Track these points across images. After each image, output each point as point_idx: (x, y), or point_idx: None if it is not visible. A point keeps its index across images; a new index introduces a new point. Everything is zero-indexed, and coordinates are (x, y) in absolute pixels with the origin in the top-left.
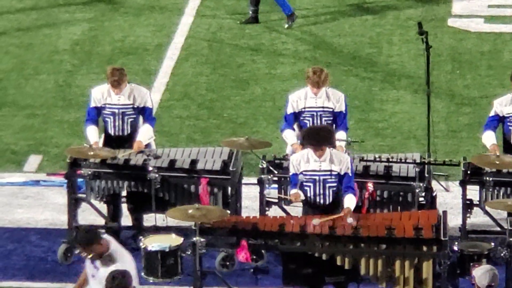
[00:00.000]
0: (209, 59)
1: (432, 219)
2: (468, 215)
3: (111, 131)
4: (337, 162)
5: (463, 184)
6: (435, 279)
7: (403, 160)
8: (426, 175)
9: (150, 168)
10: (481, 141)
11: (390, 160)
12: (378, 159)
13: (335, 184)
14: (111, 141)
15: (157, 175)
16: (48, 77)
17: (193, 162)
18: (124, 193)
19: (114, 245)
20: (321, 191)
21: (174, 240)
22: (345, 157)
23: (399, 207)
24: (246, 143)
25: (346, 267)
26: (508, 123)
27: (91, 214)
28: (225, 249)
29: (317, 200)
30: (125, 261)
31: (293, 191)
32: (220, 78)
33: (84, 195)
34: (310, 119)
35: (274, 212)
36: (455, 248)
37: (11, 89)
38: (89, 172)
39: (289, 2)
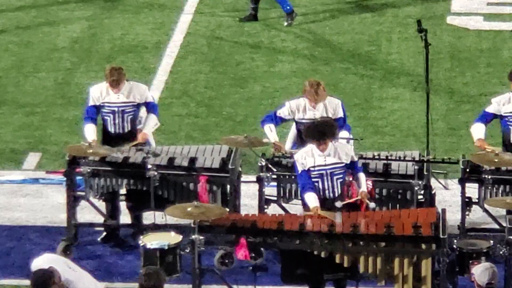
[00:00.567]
0: (208, 57)
1: (431, 217)
2: (467, 213)
3: (110, 129)
4: (342, 154)
5: (462, 182)
6: (434, 276)
7: (402, 158)
8: (425, 173)
9: (149, 166)
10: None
11: (389, 158)
12: (377, 157)
13: (342, 176)
14: (111, 139)
15: (156, 173)
16: (47, 75)
17: (192, 160)
18: (123, 191)
19: (62, 272)
20: (329, 184)
21: (173, 238)
22: (347, 147)
23: (398, 205)
24: (245, 141)
25: (345, 265)
26: (507, 122)
27: (90, 212)
28: (224, 247)
29: (326, 194)
30: (77, 277)
31: (312, 205)
32: (219, 76)
33: (83, 193)
34: None
35: (273, 210)
36: (454, 246)
37: (10, 87)
38: (88, 170)
39: None
